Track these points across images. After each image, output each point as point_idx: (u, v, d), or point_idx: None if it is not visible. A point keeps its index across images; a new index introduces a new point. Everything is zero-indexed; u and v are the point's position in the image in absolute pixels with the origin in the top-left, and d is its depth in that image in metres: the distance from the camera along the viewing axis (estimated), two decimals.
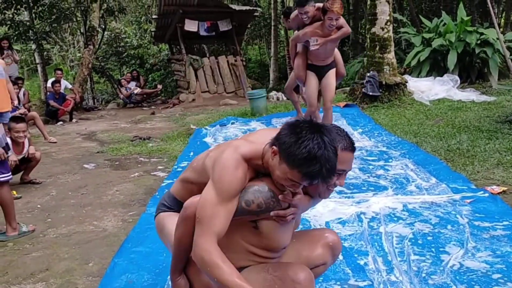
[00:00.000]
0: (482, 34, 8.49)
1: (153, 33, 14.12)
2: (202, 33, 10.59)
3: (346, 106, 7.16)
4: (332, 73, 5.03)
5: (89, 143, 6.73)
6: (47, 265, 2.64)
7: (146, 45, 17.28)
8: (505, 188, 3.39)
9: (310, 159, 1.43)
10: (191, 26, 10.39)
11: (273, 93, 11.59)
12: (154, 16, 11.92)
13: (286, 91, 6.88)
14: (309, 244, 1.75)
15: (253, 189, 1.57)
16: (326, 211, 3.20)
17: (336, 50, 5.14)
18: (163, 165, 4.96)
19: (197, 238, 1.50)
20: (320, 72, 5.03)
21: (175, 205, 1.83)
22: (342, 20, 4.76)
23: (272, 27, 15.25)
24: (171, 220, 1.79)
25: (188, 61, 10.69)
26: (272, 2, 15.07)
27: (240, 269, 1.53)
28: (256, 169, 1.62)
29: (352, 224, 2.95)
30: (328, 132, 1.48)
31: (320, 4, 4.73)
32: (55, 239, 3.07)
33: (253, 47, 22.89)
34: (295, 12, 5.14)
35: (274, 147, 1.52)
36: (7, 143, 3.17)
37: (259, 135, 1.72)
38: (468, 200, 3.20)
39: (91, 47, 11.54)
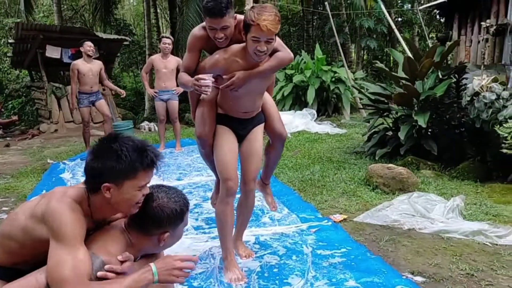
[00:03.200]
0: (335, 72, 9.44)
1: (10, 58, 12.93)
2: (66, 60, 9.97)
3: None
4: (259, 132, 2.79)
5: None
6: None
7: (5, 69, 15.81)
8: (346, 216, 3.74)
9: None
10: (53, 52, 9.75)
11: (145, 123, 11.33)
12: (10, 41, 10.90)
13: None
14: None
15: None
16: (181, 249, 3.18)
17: (267, 94, 2.82)
18: (9, 205, 4.49)
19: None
20: (240, 129, 2.72)
21: None
22: (278, 41, 2.50)
23: (147, 55, 15.03)
24: None
25: (50, 89, 9.98)
26: (146, 30, 14.91)
27: None
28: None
29: (205, 261, 2.98)
30: None
31: (241, 17, 2.48)
32: None
33: (129, 75, 22.32)
34: (199, 31, 2.57)
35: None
36: None
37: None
38: (314, 230, 3.46)
39: None
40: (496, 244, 3.15)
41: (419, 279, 2.67)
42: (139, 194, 1.60)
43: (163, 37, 6.80)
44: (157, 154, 1.67)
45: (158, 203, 1.68)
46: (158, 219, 1.67)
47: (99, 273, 1.52)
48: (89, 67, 6.60)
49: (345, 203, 4.14)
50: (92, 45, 6.67)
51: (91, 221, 1.64)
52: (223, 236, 2.77)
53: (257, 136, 2.78)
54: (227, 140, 2.66)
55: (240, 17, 2.48)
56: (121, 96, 7.12)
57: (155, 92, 6.74)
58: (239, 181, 2.80)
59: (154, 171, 1.69)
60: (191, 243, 3.28)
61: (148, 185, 1.69)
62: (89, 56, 6.62)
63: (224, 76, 2.47)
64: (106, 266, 1.55)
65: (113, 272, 1.56)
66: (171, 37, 6.73)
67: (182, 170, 5.58)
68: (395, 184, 4.43)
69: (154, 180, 5.25)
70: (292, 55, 2.59)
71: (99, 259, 1.55)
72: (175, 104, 6.81)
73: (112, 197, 1.55)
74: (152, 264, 1.58)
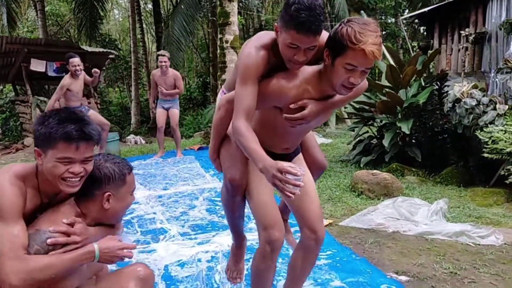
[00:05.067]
0: None
1: None
2: (51, 73, 9.95)
3: (200, 149, 7.31)
4: (302, 162, 2.18)
5: None
6: None
7: None
8: (331, 221, 3.76)
9: None
10: (38, 66, 9.70)
11: (131, 136, 11.35)
12: None
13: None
14: (120, 282, 1.71)
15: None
16: (168, 255, 3.17)
17: None
18: None
19: None
20: None
21: None
22: None
23: (133, 70, 15.11)
24: None
25: (34, 103, 9.91)
26: (132, 45, 14.98)
27: None
28: None
29: (191, 265, 2.97)
30: None
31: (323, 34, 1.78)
32: None
33: (115, 90, 22.31)
34: (257, 51, 1.76)
35: None
36: None
37: None
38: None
39: None
40: (479, 244, 3.19)
41: (403, 278, 2.70)
42: (60, 167, 1.53)
43: (158, 55, 6.88)
44: (83, 129, 1.54)
45: (96, 165, 1.65)
46: (97, 178, 1.64)
47: (49, 240, 1.49)
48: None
49: (331, 208, 4.16)
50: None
51: (41, 195, 1.62)
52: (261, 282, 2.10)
53: (303, 166, 2.06)
54: (262, 179, 1.80)
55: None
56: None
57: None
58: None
59: (78, 147, 1.54)
60: (178, 248, 3.26)
61: (76, 163, 1.57)
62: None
63: (291, 106, 1.79)
64: (51, 228, 1.52)
65: (72, 240, 1.53)
66: (166, 53, 6.77)
67: (168, 180, 5.56)
68: (380, 189, 4.47)
69: (140, 190, 5.20)
70: (367, 83, 1.95)
71: (44, 230, 1.52)
72: (176, 112, 6.90)
73: (42, 163, 1.55)
74: (96, 246, 1.54)
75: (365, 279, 2.66)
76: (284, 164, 1.57)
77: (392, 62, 6.18)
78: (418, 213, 3.80)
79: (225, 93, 2.17)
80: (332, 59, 1.66)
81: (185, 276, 2.80)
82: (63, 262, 1.47)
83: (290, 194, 1.56)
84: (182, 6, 11.75)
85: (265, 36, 1.78)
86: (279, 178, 1.56)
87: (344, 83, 1.67)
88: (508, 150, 4.19)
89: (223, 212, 4.11)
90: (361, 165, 5.68)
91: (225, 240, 3.40)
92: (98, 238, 1.60)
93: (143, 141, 10.73)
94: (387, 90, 5.58)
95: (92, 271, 1.68)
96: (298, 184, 1.56)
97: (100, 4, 14.80)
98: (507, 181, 4.19)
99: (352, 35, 1.58)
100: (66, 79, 6.27)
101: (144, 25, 17.66)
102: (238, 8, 7.85)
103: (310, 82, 1.78)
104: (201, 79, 17.83)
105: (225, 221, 3.92)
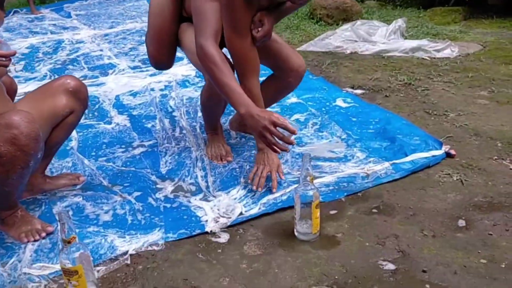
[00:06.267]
0: None
1: None
2: None
3: None
4: None
5: None
6: None
7: None
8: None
9: None
10: None
11: None
12: None
13: None
14: (49, 97, 1.56)
15: None
16: (118, 86, 3.04)
17: None
18: None
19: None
20: None
21: None
22: None
23: None
24: None
25: None
26: None
27: None
28: None
29: (144, 94, 2.86)
30: None
31: None
32: None
33: None
34: None
35: None
36: None
37: None
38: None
39: None
40: (434, 58, 3.20)
41: (358, 91, 2.70)
42: None
43: None
44: None
45: None
46: None
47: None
48: None
49: (289, 36, 4.01)
50: None
51: None
52: (210, 112, 2.03)
53: None
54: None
55: None
56: None
57: None
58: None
59: None
60: (129, 80, 3.12)
61: None
62: None
63: (255, 18, 1.58)
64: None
65: None
66: None
67: (114, 19, 5.14)
68: (339, 14, 4.30)
69: (84, 30, 4.83)
70: None
71: None
72: None
73: None
74: None
75: (321, 95, 2.65)
76: (278, 117, 1.42)
77: None
78: (376, 33, 3.70)
79: None
80: None
81: (138, 103, 2.71)
82: None
83: (279, 150, 1.46)
84: None
85: None
86: (272, 132, 1.42)
87: None
88: None
89: None
90: None
91: (178, 70, 3.26)
92: None
93: None
94: None
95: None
96: (292, 142, 1.45)
97: None
98: None
99: None
100: None
101: None
102: None
103: None
104: None
105: (180, 54, 3.73)
